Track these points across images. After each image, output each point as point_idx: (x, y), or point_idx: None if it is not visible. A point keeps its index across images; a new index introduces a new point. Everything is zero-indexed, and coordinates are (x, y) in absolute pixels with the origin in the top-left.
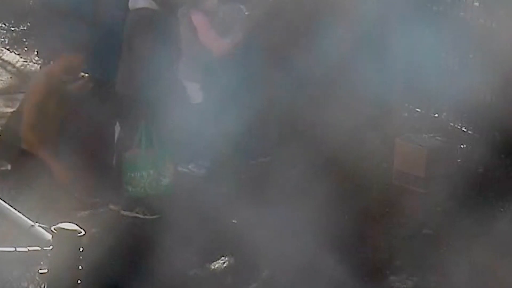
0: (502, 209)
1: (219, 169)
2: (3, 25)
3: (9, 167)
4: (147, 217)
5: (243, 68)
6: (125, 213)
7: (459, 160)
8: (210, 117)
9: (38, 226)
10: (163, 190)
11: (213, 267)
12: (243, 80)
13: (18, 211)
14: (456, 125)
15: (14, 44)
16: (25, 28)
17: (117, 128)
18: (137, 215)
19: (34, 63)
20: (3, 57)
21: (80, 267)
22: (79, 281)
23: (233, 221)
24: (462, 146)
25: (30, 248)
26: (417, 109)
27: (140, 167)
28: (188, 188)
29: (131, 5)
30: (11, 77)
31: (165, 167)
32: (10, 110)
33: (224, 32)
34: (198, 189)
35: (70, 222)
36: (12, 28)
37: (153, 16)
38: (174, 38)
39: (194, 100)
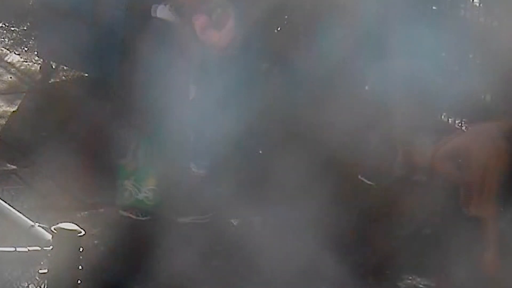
0: (502, 209)
1: (218, 169)
2: (3, 25)
3: None
4: (139, 218)
5: (241, 67)
6: (123, 213)
7: (459, 160)
8: (209, 116)
9: (38, 226)
10: (137, 203)
11: (209, 267)
12: (241, 78)
13: (18, 211)
14: (456, 125)
15: (14, 44)
16: (25, 28)
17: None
18: (130, 215)
19: (34, 63)
20: (3, 57)
21: (80, 267)
22: (79, 281)
23: (232, 221)
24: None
25: (30, 248)
26: (417, 109)
27: (121, 176)
28: (187, 188)
29: (152, 12)
30: (11, 77)
31: (142, 182)
32: (10, 110)
33: (220, 28)
34: (197, 189)
35: (70, 222)
36: (12, 28)
37: (166, 27)
38: (184, 48)
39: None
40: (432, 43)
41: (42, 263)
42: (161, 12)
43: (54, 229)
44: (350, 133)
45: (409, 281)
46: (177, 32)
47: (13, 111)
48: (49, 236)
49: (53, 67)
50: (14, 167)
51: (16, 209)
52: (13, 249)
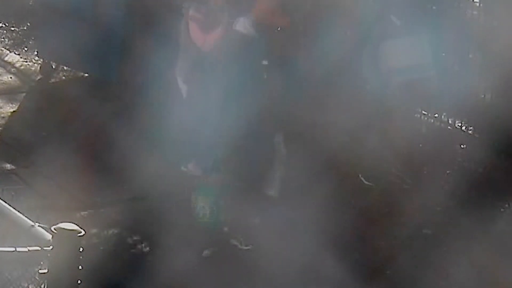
0: (502, 209)
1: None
2: (3, 25)
3: None
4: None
5: (235, 67)
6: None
7: (459, 160)
8: (207, 116)
9: (38, 226)
10: (197, 219)
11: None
12: (236, 78)
13: (18, 211)
14: (456, 125)
15: (14, 44)
16: (25, 28)
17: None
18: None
19: (34, 63)
20: (3, 57)
21: (80, 267)
22: (79, 281)
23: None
24: (462, 146)
25: (30, 248)
26: (417, 109)
27: (194, 190)
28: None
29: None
30: (11, 77)
31: (204, 198)
32: (10, 110)
33: (211, 28)
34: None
35: (70, 222)
36: (12, 28)
37: (243, 41)
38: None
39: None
40: (432, 42)
41: (42, 263)
42: (240, 25)
43: (54, 229)
44: (349, 132)
45: (409, 281)
46: (254, 45)
47: (13, 111)
48: (49, 236)
49: (53, 67)
50: (14, 167)
51: (16, 209)
52: (13, 249)
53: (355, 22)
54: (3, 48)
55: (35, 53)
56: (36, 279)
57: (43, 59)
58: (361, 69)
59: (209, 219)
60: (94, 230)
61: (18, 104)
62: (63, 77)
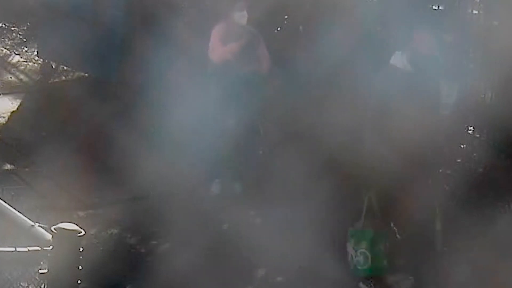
0: (502, 209)
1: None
2: (4, 25)
3: None
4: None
5: (241, 72)
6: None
7: (459, 160)
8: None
9: (38, 226)
10: (354, 269)
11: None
12: (241, 84)
13: (18, 211)
14: (456, 125)
15: (15, 45)
16: (25, 28)
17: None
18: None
19: (34, 63)
20: (3, 57)
21: (80, 267)
22: (79, 281)
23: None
24: (462, 146)
25: (30, 248)
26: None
27: (348, 239)
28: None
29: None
30: (11, 77)
31: (357, 244)
32: (10, 110)
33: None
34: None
35: (70, 222)
36: (13, 28)
37: (399, 75)
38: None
39: None
40: (432, 43)
41: (42, 263)
42: (395, 59)
43: (54, 229)
44: (349, 132)
45: (409, 281)
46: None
47: (13, 111)
48: (49, 236)
49: (53, 67)
50: (14, 167)
51: (16, 209)
52: (13, 249)
53: (355, 21)
54: (3, 48)
55: (35, 53)
56: (36, 279)
57: (43, 59)
58: (359, 70)
59: (365, 266)
60: (94, 230)
61: (18, 104)
62: (63, 77)
